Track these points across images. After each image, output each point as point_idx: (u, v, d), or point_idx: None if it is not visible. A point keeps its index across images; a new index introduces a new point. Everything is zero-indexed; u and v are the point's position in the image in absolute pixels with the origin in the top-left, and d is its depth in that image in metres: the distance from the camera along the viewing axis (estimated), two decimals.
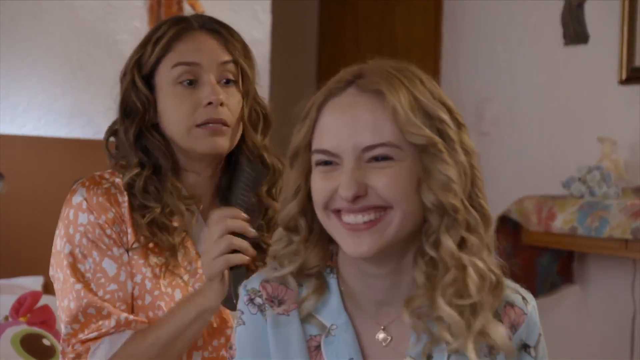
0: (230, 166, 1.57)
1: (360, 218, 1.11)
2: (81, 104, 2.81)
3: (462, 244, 1.12)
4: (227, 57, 1.50)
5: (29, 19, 2.74)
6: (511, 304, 1.18)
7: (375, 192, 1.10)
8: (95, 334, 1.43)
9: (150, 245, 1.48)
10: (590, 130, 3.06)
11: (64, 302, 1.46)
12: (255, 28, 3.02)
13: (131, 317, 1.44)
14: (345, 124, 1.12)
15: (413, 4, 4.04)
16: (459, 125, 1.14)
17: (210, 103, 1.47)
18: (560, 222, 2.72)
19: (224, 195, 1.56)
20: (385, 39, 4.18)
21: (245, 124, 1.53)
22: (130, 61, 1.54)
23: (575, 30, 3.17)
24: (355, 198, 1.09)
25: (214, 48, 1.51)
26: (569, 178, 2.82)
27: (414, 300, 1.13)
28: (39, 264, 2.62)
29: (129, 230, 1.48)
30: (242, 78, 1.52)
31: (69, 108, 2.80)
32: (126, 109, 1.53)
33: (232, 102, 1.50)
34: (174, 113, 1.49)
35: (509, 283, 1.19)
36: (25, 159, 2.67)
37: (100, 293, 1.45)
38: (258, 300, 1.19)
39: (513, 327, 1.17)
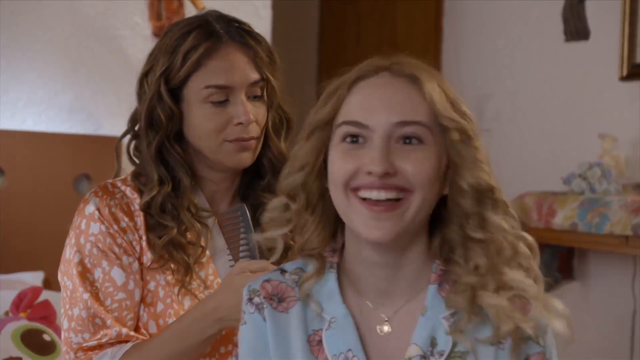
0: (250, 170, 1.56)
1: (383, 194, 1.10)
2: (81, 99, 2.81)
3: (503, 222, 1.14)
4: (256, 76, 1.49)
5: (29, 14, 2.74)
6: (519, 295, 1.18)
7: (403, 174, 1.10)
8: (94, 342, 1.44)
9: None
10: (591, 127, 3.06)
11: (75, 311, 1.46)
12: (255, 24, 2.98)
13: (132, 333, 1.45)
14: (380, 99, 1.12)
15: (414, 0, 4.03)
16: (473, 121, 1.18)
17: (241, 123, 1.47)
18: (561, 219, 2.72)
19: (244, 194, 1.56)
20: (386, 35, 4.17)
21: (270, 133, 1.53)
22: (154, 68, 1.50)
23: (576, 27, 3.17)
24: (384, 175, 1.09)
25: (244, 67, 1.49)
26: (569, 174, 2.82)
27: (461, 322, 1.13)
28: (40, 260, 2.62)
29: (143, 238, 1.48)
30: (267, 90, 1.52)
31: (69, 103, 2.80)
32: (150, 121, 1.50)
33: (260, 117, 1.50)
34: (204, 129, 1.48)
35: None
36: (26, 154, 2.67)
37: (108, 302, 1.46)
38: (256, 299, 1.19)
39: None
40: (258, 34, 1.55)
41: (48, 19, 2.76)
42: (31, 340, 2.13)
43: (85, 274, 1.46)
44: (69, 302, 1.48)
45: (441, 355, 1.14)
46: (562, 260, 3.06)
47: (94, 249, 1.46)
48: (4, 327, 2.14)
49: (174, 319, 1.47)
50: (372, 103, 1.12)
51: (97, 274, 1.46)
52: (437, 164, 1.11)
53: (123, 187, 1.52)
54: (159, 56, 1.50)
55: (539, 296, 1.14)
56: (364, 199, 1.11)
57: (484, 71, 3.65)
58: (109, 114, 2.85)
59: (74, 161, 2.72)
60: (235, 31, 1.51)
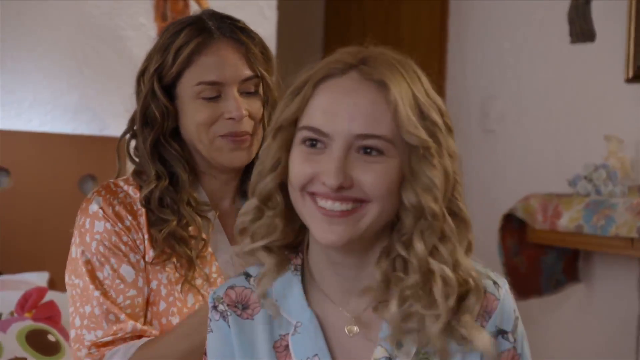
0: (251, 167, 1.55)
1: (337, 206, 1.08)
2: (87, 99, 2.81)
3: (434, 250, 1.10)
4: (248, 73, 1.50)
5: (34, 14, 2.74)
6: (484, 291, 1.15)
7: (360, 186, 1.08)
8: (110, 337, 1.44)
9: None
10: (597, 129, 3.05)
11: (87, 308, 1.46)
12: (261, 24, 3.01)
13: (146, 327, 1.46)
14: (344, 107, 1.08)
15: (419, 1, 4.03)
16: (448, 128, 1.12)
17: (232, 118, 1.48)
18: (566, 221, 2.71)
19: (244, 193, 1.56)
20: (390, 36, 4.17)
21: (265, 129, 1.51)
22: (149, 67, 1.52)
23: (581, 28, 3.16)
24: (339, 188, 1.07)
25: (235, 62, 1.50)
26: (574, 176, 2.82)
27: (371, 292, 1.13)
28: (45, 260, 2.63)
29: (146, 237, 1.49)
30: (263, 87, 1.53)
31: (74, 104, 2.80)
32: (145, 118, 1.52)
33: (253, 110, 1.51)
34: (195, 124, 1.49)
35: (478, 268, 1.16)
36: (31, 154, 2.67)
37: (120, 299, 1.46)
38: (220, 307, 1.18)
39: (486, 314, 1.14)
40: (251, 31, 1.55)
41: (53, 20, 2.77)
42: (36, 340, 2.13)
43: (94, 272, 1.47)
44: (80, 300, 1.47)
45: (407, 355, 1.13)
46: (567, 262, 3.05)
47: (101, 246, 1.47)
48: (9, 328, 2.14)
49: (178, 317, 1.47)
50: (335, 110, 1.08)
51: (106, 271, 1.46)
52: (397, 175, 1.09)
53: (126, 187, 1.53)
54: (153, 55, 1.53)
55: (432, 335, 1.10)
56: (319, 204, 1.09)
57: (489, 72, 3.65)
58: (114, 114, 2.85)
59: (79, 162, 2.72)
60: (227, 27, 1.52)
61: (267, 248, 1.15)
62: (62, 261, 2.65)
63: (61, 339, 2.19)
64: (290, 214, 1.14)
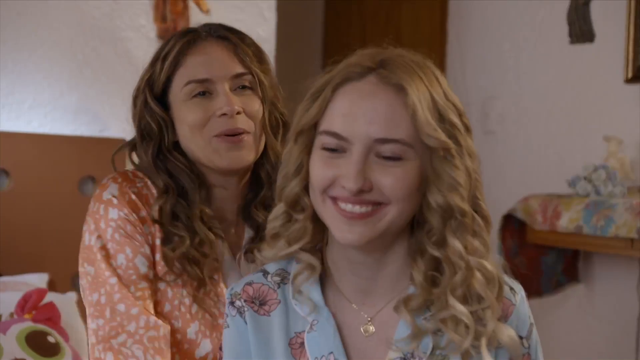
0: (255, 179, 1.52)
1: (357, 208, 1.10)
2: (87, 100, 2.81)
3: (468, 246, 1.11)
4: (239, 69, 1.46)
5: (35, 15, 2.75)
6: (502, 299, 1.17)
7: (379, 189, 1.09)
8: (124, 336, 1.39)
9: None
10: (596, 129, 3.05)
11: (94, 296, 1.43)
12: (260, 26, 3.01)
13: (160, 321, 1.41)
14: (362, 111, 1.09)
15: (419, 2, 4.03)
16: (467, 129, 1.14)
17: (224, 114, 1.43)
18: (566, 221, 2.71)
19: (247, 213, 1.51)
20: (390, 37, 4.17)
21: (267, 131, 1.49)
22: (142, 80, 1.50)
23: (581, 29, 3.16)
24: (359, 192, 1.08)
25: (224, 58, 1.46)
26: (574, 177, 2.82)
27: (412, 301, 1.13)
28: (45, 261, 2.63)
29: (157, 235, 1.45)
30: (260, 86, 1.48)
31: (74, 105, 2.80)
32: (142, 131, 1.49)
33: (250, 108, 1.46)
34: (189, 127, 1.45)
35: None
36: (31, 156, 2.67)
37: (132, 289, 1.42)
38: (238, 302, 1.19)
39: (502, 319, 1.16)
40: (246, 36, 1.52)
41: (53, 21, 2.77)
42: (36, 342, 2.13)
43: (109, 259, 1.43)
44: (89, 288, 1.44)
45: (422, 357, 1.13)
46: (567, 262, 3.05)
47: (116, 234, 1.43)
48: (9, 329, 2.14)
49: (180, 321, 1.44)
50: (354, 114, 1.09)
51: (120, 259, 1.43)
52: (416, 178, 1.10)
53: (145, 179, 1.49)
54: (146, 69, 1.51)
55: (470, 333, 1.11)
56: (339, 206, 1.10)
57: (489, 73, 3.65)
58: (115, 115, 2.85)
59: (79, 163, 2.72)
60: (215, 28, 1.51)
61: (302, 249, 1.18)
62: (62, 262, 2.66)
63: (61, 340, 2.19)
64: (317, 216, 1.16)
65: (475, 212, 1.13)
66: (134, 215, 1.44)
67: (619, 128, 2.97)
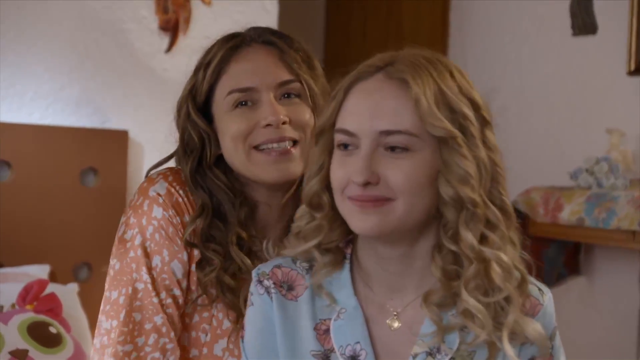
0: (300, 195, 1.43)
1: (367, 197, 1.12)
2: (88, 92, 2.81)
3: (483, 238, 1.11)
4: (286, 77, 1.37)
5: (35, 7, 2.74)
6: (527, 294, 1.18)
7: (386, 183, 1.10)
8: (130, 346, 1.33)
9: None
10: (598, 122, 3.05)
11: (113, 294, 1.36)
12: (262, 18, 3.01)
13: (170, 345, 1.34)
14: (368, 107, 1.12)
15: None
16: (485, 122, 1.14)
17: (269, 125, 1.34)
18: (568, 214, 2.71)
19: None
20: (392, 31, 4.16)
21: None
22: (185, 90, 1.41)
23: (584, 21, 3.16)
24: (367, 184, 1.10)
25: (269, 65, 1.37)
26: (576, 169, 2.82)
27: (432, 295, 1.14)
28: (46, 253, 2.63)
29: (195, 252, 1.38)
30: (308, 92, 1.38)
31: (75, 97, 2.80)
32: (185, 144, 1.40)
33: (299, 117, 1.36)
34: (231, 138, 1.36)
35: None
36: (32, 147, 2.67)
37: (163, 295, 1.35)
38: (266, 282, 1.20)
39: (528, 317, 1.16)
40: (294, 40, 1.42)
41: (55, 13, 2.76)
42: (37, 332, 2.14)
43: (144, 258, 1.35)
44: (110, 283, 1.37)
45: (447, 353, 1.14)
46: (568, 255, 3.05)
47: (157, 234, 1.35)
48: (10, 319, 2.15)
49: (209, 336, 1.39)
50: (360, 110, 1.12)
51: (155, 261, 1.35)
52: (426, 170, 1.10)
53: None
54: (190, 78, 1.42)
55: (489, 325, 1.11)
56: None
57: (490, 66, 3.64)
58: (116, 107, 2.85)
59: (81, 154, 2.72)
60: (260, 33, 1.41)
61: (321, 247, 1.19)
62: (63, 254, 2.66)
63: (62, 330, 2.19)
64: (338, 214, 1.17)
65: (495, 204, 1.13)
66: (178, 218, 1.36)
67: (621, 120, 2.97)
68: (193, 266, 1.38)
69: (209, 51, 1.41)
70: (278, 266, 1.21)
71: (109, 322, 1.35)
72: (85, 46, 2.81)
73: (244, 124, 1.35)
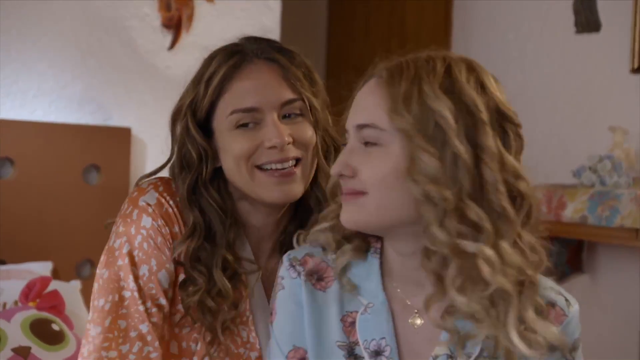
0: (299, 208, 1.43)
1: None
2: (91, 90, 2.81)
3: (460, 234, 1.10)
4: (289, 96, 1.35)
5: (38, 4, 2.74)
6: (552, 304, 1.18)
7: (359, 176, 1.14)
8: (114, 353, 1.32)
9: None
10: (602, 119, 3.04)
11: (100, 302, 1.35)
12: (265, 15, 3.01)
13: (154, 354, 1.34)
14: (354, 105, 1.18)
15: None
16: (474, 122, 1.12)
17: (274, 146, 1.33)
18: (571, 212, 2.71)
19: (285, 243, 1.43)
20: (395, 27, 4.16)
21: (320, 157, 1.40)
22: (184, 101, 1.38)
23: (587, 19, 3.15)
24: (340, 175, 1.15)
25: (273, 84, 1.34)
26: (579, 167, 2.81)
27: (431, 300, 1.14)
28: (48, 250, 2.63)
29: (182, 256, 1.38)
30: (310, 109, 1.37)
31: (78, 94, 2.80)
32: (182, 160, 1.38)
33: (301, 135, 1.36)
34: (233, 158, 1.35)
35: (553, 285, 1.20)
36: (35, 144, 2.67)
37: (148, 304, 1.34)
38: (299, 268, 1.22)
39: None
40: (292, 51, 1.40)
41: (57, 10, 2.76)
42: (40, 329, 2.14)
43: (131, 267, 1.35)
44: (98, 292, 1.36)
45: (469, 357, 1.14)
46: (571, 253, 3.05)
47: (145, 243, 1.35)
48: (13, 316, 2.15)
49: (200, 344, 1.38)
50: (351, 108, 1.18)
51: (143, 270, 1.35)
52: (394, 165, 1.11)
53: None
54: (188, 89, 1.40)
55: (485, 320, 1.11)
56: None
57: (494, 64, 3.63)
58: (119, 104, 2.85)
59: (83, 152, 2.72)
60: (262, 48, 1.38)
61: (343, 233, 1.21)
62: (66, 251, 2.67)
63: (65, 328, 2.19)
64: None
65: (488, 205, 1.11)
66: (167, 228, 1.36)
67: (625, 118, 2.96)
68: (182, 277, 1.38)
69: (208, 63, 1.38)
70: (310, 255, 1.23)
71: (95, 330, 1.34)
72: (88, 44, 2.81)
73: (247, 144, 1.34)
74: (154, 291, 1.35)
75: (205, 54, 1.43)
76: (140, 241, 1.35)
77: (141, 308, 1.34)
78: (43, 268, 2.53)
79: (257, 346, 1.41)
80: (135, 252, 1.35)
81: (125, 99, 2.85)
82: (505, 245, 1.11)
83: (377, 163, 1.12)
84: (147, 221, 1.35)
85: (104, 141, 2.75)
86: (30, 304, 2.20)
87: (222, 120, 1.36)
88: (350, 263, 1.20)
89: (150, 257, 1.35)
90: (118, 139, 2.77)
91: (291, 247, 1.41)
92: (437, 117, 1.10)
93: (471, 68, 1.16)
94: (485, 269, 1.09)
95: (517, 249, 1.13)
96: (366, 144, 1.14)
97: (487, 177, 1.12)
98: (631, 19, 2.97)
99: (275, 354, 1.21)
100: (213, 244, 1.37)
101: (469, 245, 1.09)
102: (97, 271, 1.39)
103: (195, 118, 1.37)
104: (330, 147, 1.42)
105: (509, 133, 1.17)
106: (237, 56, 1.37)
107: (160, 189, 1.38)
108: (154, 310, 1.35)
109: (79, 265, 2.72)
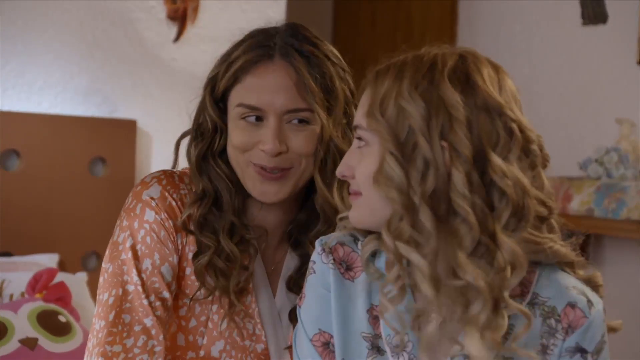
0: (309, 198, 1.43)
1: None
2: (97, 82, 2.81)
3: (409, 240, 1.09)
4: (296, 105, 1.33)
5: None
6: (572, 305, 1.15)
7: (355, 176, 1.17)
8: (119, 347, 1.33)
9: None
10: (608, 112, 3.04)
11: (104, 296, 1.36)
12: (270, 7, 3.00)
13: (158, 348, 1.34)
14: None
15: None
16: (450, 121, 1.08)
17: (264, 151, 1.34)
18: (577, 204, 2.71)
19: (297, 235, 1.43)
20: (401, 19, 4.15)
21: (316, 176, 1.37)
22: (210, 73, 1.40)
23: (594, 10, 3.14)
24: (343, 176, 1.19)
25: (283, 90, 1.33)
26: (586, 159, 2.81)
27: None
28: (55, 242, 2.64)
29: (190, 248, 1.39)
30: (319, 121, 1.35)
31: (84, 86, 2.80)
32: (198, 129, 1.40)
33: (299, 145, 1.35)
34: (232, 146, 1.37)
35: (576, 284, 1.17)
36: (41, 136, 2.67)
37: (152, 298, 1.35)
38: (329, 255, 1.21)
39: (570, 329, 1.14)
40: (324, 57, 1.38)
41: (64, 2, 2.76)
42: (47, 321, 2.15)
43: (134, 260, 1.36)
44: (103, 286, 1.37)
45: (486, 358, 1.11)
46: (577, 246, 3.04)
47: (148, 237, 1.36)
48: (20, 308, 2.16)
49: (206, 339, 1.39)
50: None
51: (146, 264, 1.35)
52: (374, 159, 1.12)
53: (191, 184, 1.41)
54: (217, 62, 1.40)
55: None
56: None
57: (500, 56, 3.62)
58: (125, 97, 2.85)
59: (90, 144, 2.72)
60: (290, 48, 1.36)
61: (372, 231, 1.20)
62: (72, 243, 2.67)
63: (72, 319, 2.20)
64: None
65: (458, 209, 1.08)
66: (170, 221, 1.37)
67: (632, 110, 2.95)
68: (188, 270, 1.39)
69: (238, 45, 1.38)
70: (342, 243, 1.21)
71: (99, 323, 1.35)
72: (94, 36, 2.81)
73: (245, 139, 1.35)
74: (157, 285, 1.36)
75: (211, 46, 1.43)
76: (144, 235, 1.36)
77: (145, 302, 1.34)
78: (49, 260, 2.54)
79: (263, 338, 1.41)
80: (139, 246, 1.36)
81: (131, 91, 2.85)
82: (460, 255, 1.07)
83: (365, 164, 1.14)
84: (150, 215, 1.36)
85: (109, 133, 2.75)
86: (37, 295, 2.21)
87: (232, 107, 1.38)
88: (377, 252, 1.19)
89: (154, 251, 1.36)
90: (124, 131, 2.78)
91: (299, 237, 1.43)
92: (409, 118, 1.10)
93: (462, 62, 1.12)
94: (418, 278, 1.09)
95: (480, 256, 1.08)
96: (361, 144, 1.16)
97: (455, 178, 1.08)
98: (638, 11, 2.96)
99: (300, 337, 1.21)
100: (220, 210, 1.39)
101: (411, 254, 1.08)
102: (103, 265, 1.40)
103: (213, 94, 1.39)
104: (336, 156, 1.37)
105: (496, 128, 1.09)
106: (260, 50, 1.36)
107: (164, 182, 1.39)
108: (158, 304, 1.35)
109: (85, 257, 2.72)
